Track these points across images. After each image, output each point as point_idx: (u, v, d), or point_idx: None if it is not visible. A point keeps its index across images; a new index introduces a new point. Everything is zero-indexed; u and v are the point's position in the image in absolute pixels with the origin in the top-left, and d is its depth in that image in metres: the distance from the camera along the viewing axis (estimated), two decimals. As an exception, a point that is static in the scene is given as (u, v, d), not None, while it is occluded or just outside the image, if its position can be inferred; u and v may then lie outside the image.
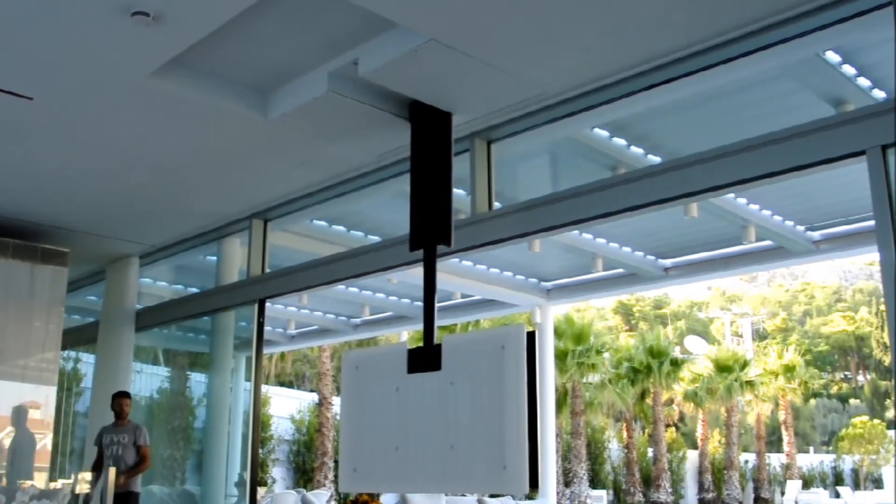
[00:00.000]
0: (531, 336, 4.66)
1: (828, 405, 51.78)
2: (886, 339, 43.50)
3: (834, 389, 54.51)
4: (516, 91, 5.70)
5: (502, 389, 4.58)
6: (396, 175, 6.99)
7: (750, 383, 30.33)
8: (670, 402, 32.93)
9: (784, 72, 5.71)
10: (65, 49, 5.23)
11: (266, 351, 15.25)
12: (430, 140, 5.79)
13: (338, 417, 21.41)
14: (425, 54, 5.06)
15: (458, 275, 10.06)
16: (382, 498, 11.57)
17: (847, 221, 8.23)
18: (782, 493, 29.66)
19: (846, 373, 57.22)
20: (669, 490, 27.90)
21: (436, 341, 5.16)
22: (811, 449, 43.13)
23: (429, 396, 4.97)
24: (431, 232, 5.51)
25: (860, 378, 56.63)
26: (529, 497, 10.60)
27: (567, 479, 24.70)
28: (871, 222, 5.38)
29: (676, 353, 30.23)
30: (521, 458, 4.40)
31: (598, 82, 5.58)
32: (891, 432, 36.72)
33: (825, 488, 32.13)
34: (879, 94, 5.60)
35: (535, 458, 4.40)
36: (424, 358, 5.06)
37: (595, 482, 27.31)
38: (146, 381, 10.68)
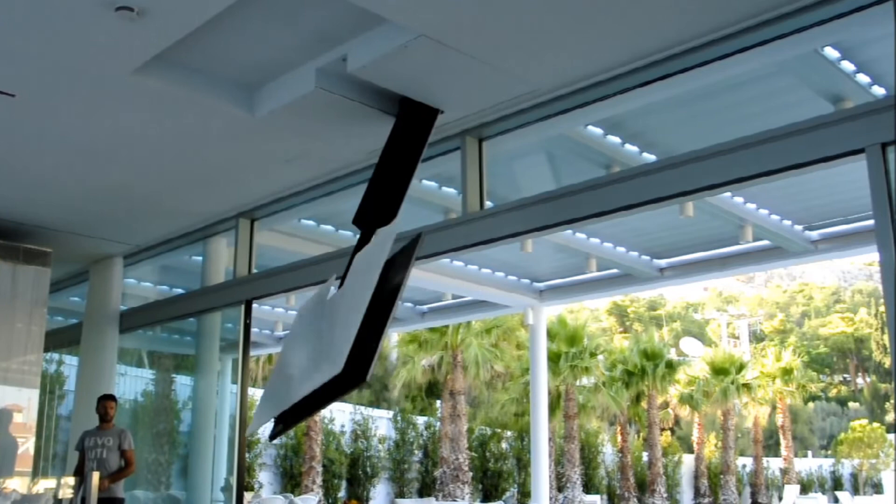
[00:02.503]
0: (417, 238, 4.80)
1: (826, 408, 51.89)
2: (886, 342, 43.66)
3: (833, 392, 54.65)
4: (508, 88, 5.67)
5: (364, 282, 4.59)
6: (386, 173, 6.89)
7: (747, 386, 30.28)
8: (665, 405, 32.89)
9: (782, 68, 5.68)
10: (47, 45, 5.17)
11: (253, 353, 15.21)
12: (408, 131, 5.74)
13: (326, 421, 21.33)
14: (415, 50, 5.03)
15: (448, 275, 10.01)
16: (374, 495, 11.49)
17: (846, 221, 8.25)
18: (780, 499, 29.65)
19: (845, 375, 57.39)
20: (665, 495, 27.81)
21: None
22: (809, 453, 43.19)
23: (325, 312, 5.00)
24: (376, 214, 5.41)
25: (859, 381, 56.76)
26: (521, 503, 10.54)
27: (560, 483, 24.61)
28: (871, 222, 5.36)
29: (672, 355, 30.15)
30: (346, 340, 4.34)
31: (592, 79, 5.54)
32: (891, 436, 36.79)
33: (824, 493, 32.08)
34: (879, 91, 5.58)
35: (369, 351, 4.33)
36: (342, 281, 5.13)
37: (589, 487, 27.22)
38: (130, 383, 10.60)
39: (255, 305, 8.23)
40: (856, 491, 35.12)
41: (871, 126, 4.36)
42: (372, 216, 5.42)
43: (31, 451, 8.73)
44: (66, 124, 6.40)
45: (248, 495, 16.74)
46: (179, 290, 10.79)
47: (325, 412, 21.50)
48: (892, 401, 47.17)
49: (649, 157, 6.76)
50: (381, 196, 5.50)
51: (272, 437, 5.35)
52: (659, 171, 5.34)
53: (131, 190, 7.76)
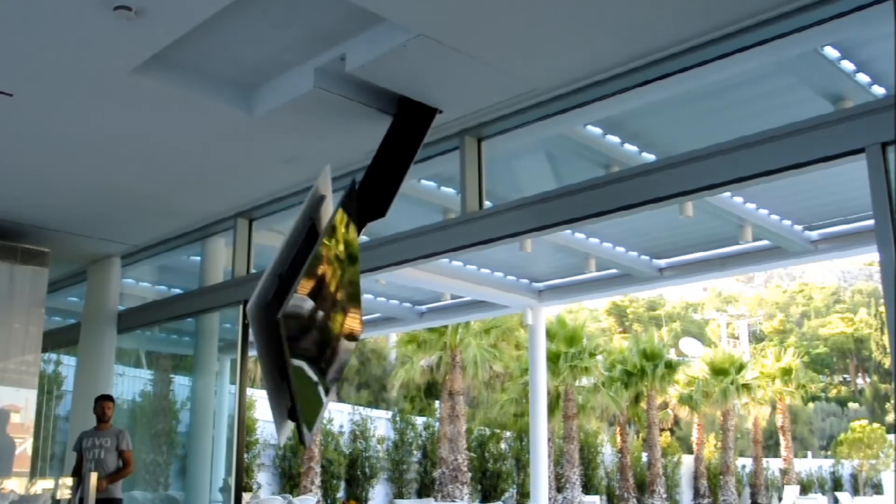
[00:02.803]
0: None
1: (826, 409, 51.88)
2: (886, 342, 43.65)
3: (833, 393, 54.68)
4: (507, 87, 5.66)
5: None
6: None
7: (746, 386, 30.24)
8: (665, 405, 32.84)
9: (781, 68, 5.66)
10: (45, 44, 5.15)
11: (251, 353, 15.16)
12: (406, 129, 5.74)
13: (325, 422, 21.28)
14: (414, 49, 5.03)
15: (447, 275, 9.98)
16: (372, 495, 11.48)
17: (846, 221, 8.24)
18: (780, 499, 29.63)
19: (845, 376, 57.42)
20: (664, 496, 27.79)
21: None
22: (809, 453, 43.16)
23: None
24: (368, 208, 5.42)
25: (859, 381, 56.77)
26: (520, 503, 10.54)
27: (559, 484, 24.57)
28: (871, 221, 5.34)
29: (671, 355, 30.13)
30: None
31: (591, 78, 5.53)
32: (891, 437, 36.76)
33: (823, 494, 32.07)
34: (879, 91, 5.56)
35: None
36: None
37: (588, 487, 27.19)
38: (129, 384, 10.57)
39: (253, 305, 8.18)
40: (856, 492, 35.08)
41: (871, 126, 4.35)
42: (364, 210, 5.41)
43: (29, 452, 8.70)
44: (63, 124, 6.38)
45: (246, 496, 16.71)
46: (178, 291, 10.78)
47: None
48: (893, 401, 47.15)
49: (649, 157, 6.73)
50: (374, 191, 5.51)
51: (302, 441, 5.36)
52: (659, 171, 5.32)
53: (129, 190, 7.73)
